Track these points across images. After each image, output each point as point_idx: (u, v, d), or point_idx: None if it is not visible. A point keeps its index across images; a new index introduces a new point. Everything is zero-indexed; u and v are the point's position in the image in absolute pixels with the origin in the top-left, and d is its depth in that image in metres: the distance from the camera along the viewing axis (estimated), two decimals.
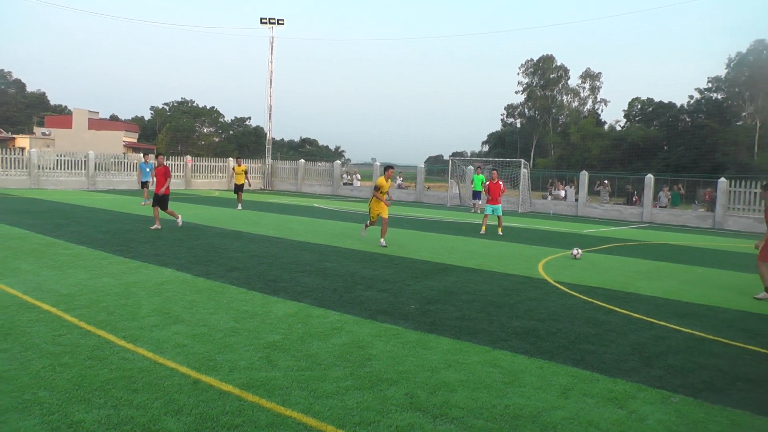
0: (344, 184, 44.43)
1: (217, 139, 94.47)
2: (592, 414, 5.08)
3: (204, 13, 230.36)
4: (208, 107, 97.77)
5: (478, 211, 30.92)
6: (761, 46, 67.31)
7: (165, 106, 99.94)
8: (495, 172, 20.47)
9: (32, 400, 4.85)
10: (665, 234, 23.50)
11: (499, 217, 19.69)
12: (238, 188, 26.45)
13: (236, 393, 5.17)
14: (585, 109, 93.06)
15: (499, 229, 19.64)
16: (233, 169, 27.38)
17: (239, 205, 25.71)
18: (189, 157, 43.06)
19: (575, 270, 12.71)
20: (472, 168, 37.65)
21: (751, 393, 5.78)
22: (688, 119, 73.84)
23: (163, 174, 16.99)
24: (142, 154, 31.15)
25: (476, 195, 32.21)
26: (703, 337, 7.79)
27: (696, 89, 75.82)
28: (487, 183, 20.35)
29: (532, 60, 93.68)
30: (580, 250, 14.48)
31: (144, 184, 26.90)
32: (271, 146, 49.55)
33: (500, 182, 20.08)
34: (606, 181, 39.22)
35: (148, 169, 26.27)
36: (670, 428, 4.88)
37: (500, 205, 19.87)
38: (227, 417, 4.69)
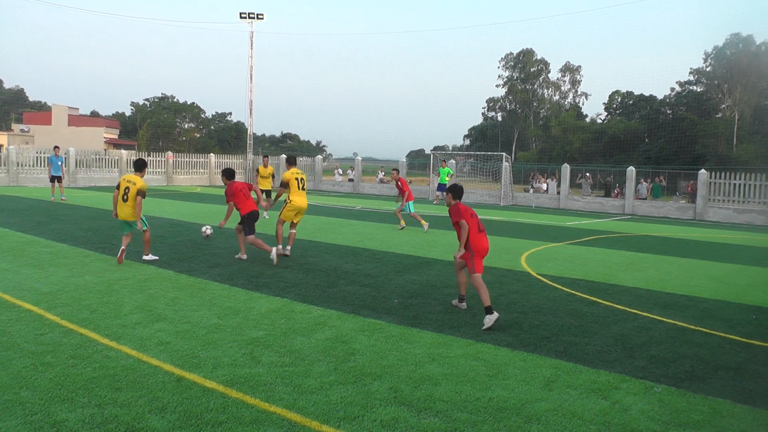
0: (349, 178, 44.27)
1: (198, 135, 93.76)
2: (575, 405, 5.12)
3: (183, 8, 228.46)
4: (188, 103, 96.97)
5: (436, 203, 31.06)
6: (737, 40, 67.95)
7: (145, 102, 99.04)
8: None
9: (14, 401, 4.80)
10: (647, 225, 23.69)
11: None
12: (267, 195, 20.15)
13: (220, 390, 5.16)
14: (566, 103, 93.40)
15: None
16: (257, 170, 20.46)
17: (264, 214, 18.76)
18: (170, 153, 42.73)
19: (558, 262, 12.78)
20: (453, 162, 37.84)
21: (732, 381, 5.86)
22: (668, 112, 74.38)
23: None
24: (53, 147, 27.24)
25: (441, 187, 31.37)
26: (684, 327, 7.88)
27: (677, 82, 76.31)
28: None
29: (512, 54, 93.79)
30: None
31: (56, 179, 24.48)
32: (252, 141, 49.27)
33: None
34: (588, 174, 39.52)
35: (59, 163, 24.74)
36: (653, 418, 4.93)
37: None
38: (211, 414, 4.68)
